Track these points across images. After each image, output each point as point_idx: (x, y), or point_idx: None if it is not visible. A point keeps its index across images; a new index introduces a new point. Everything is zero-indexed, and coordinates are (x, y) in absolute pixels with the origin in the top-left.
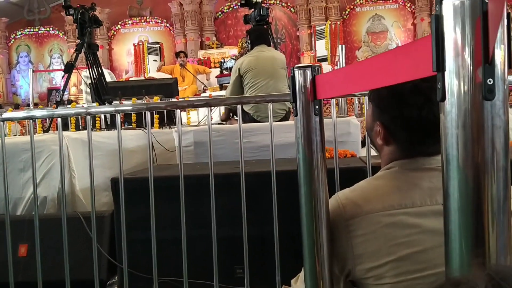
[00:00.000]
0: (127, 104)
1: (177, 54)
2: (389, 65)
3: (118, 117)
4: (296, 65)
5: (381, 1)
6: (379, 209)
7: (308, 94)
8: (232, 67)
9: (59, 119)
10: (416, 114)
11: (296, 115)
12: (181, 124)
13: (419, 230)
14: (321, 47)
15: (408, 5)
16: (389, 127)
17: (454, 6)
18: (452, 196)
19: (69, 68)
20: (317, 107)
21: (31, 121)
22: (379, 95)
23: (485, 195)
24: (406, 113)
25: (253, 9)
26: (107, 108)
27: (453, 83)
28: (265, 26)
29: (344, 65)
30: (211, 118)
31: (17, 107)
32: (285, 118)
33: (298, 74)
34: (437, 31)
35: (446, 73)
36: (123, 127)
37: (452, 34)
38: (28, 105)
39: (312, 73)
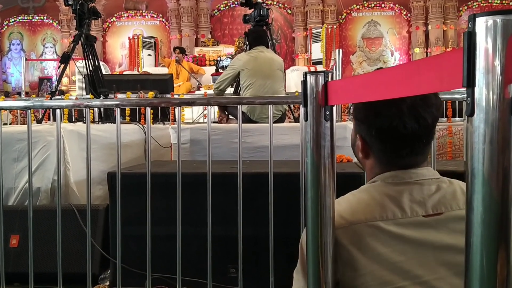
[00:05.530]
0: (131, 99)
1: (174, 49)
2: (411, 76)
3: (118, 112)
4: (308, 71)
5: (377, 7)
6: (361, 220)
7: (320, 99)
8: (227, 65)
9: (57, 111)
10: (387, 125)
11: (306, 120)
12: (180, 121)
13: (401, 241)
14: (317, 50)
15: (404, 12)
16: (365, 138)
17: (486, 23)
18: (476, 209)
19: (65, 59)
20: (327, 112)
21: (29, 111)
22: (356, 107)
23: (509, 210)
24: (379, 123)
25: (253, 9)
26: (109, 101)
27: (482, 99)
28: (264, 27)
29: (340, 70)
30: (205, 117)
31: (6, 95)
32: (281, 119)
33: (310, 79)
34: (469, 48)
35: (476, 89)
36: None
37: (483, 51)
38: (19, 93)
39: (324, 79)
